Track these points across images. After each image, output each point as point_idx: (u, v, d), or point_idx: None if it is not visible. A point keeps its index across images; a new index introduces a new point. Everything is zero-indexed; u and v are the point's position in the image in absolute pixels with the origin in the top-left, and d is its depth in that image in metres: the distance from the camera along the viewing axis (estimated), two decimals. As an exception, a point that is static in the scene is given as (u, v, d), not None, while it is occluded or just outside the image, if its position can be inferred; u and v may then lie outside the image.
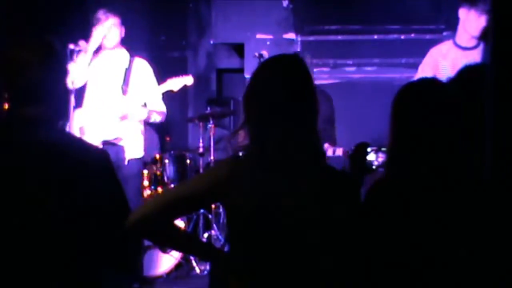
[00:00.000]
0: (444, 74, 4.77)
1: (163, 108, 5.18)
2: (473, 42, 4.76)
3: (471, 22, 4.64)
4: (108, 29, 4.96)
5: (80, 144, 2.26)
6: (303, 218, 2.10)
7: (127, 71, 5.09)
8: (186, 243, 2.30)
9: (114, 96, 5.04)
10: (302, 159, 2.13)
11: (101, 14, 4.97)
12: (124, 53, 5.18)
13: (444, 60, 4.87)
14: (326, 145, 4.81)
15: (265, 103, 2.14)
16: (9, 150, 2.12)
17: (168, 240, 2.24)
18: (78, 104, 4.99)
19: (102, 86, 5.10)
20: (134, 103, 5.00)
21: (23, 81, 2.14)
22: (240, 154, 2.20)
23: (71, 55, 4.76)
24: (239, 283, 2.16)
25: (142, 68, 5.17)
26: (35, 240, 2.08)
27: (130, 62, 5.13)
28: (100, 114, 4.99)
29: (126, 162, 5.03)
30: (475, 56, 4.71)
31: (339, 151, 4.87)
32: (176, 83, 5.17)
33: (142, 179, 5.56)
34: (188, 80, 5.22)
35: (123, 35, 5.11)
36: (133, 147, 5.05)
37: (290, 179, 2.11)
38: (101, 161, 2.19)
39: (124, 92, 5.03)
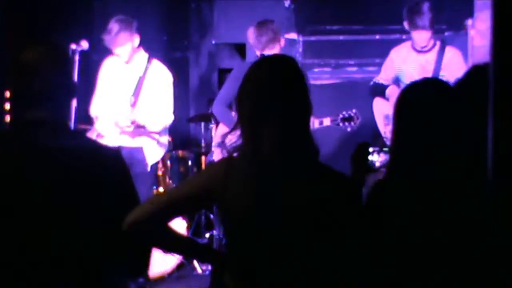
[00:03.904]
0: (403, 77, 4.95)
1: (165, 121, 5.00)
2: (427, 46, 4.92)
3: (413, 36, 4.91)
4: (120, 44, 4.82)
5: (93, 145, 2.27)
6: (299, 218, 2.10)
7: (140, 80, 4.93)
8: (182, 245, 2.30)
9: (121, 106, 4.91)
10: (295, 159, 2.13)
11: (112, 25, 4.82)
12: (141, 57, 5.01)
13: (403, 63, 5.02)
14: (311, 118, 4.72)
15: (257, 103, 2.14)
16: (23, 152, 2.13)
17: (164, 242, 2.24)
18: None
19: (111, 91, 4.98)
20: (141, 117, 4.86)
21: (37, 84, 2.14)
22: (235, 154, 2.20)
23: (73, 55, 4.75)
24: (235, 284, 2.16)
25: (157, 76, 4.98)
26: (46, 240, 2.08)
27: (146, 68, 4.97)
28: (103, 121, 4.94)
29: (148, 168, 4.99)
30: (430, 58, 4.93)
31: (327, 121, 4.83)
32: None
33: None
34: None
35: (137, 44, 4.95)
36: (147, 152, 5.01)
37: (285, 178, 2.11)
38: (114, 161, 2.21)
39: (133, 104, 4.91)
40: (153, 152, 5.03)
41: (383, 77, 5.16)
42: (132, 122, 4.84)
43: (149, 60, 5.01)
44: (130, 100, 4.91)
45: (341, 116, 4.81)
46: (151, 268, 5.32)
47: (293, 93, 2.15)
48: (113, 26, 4.81)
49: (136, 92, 4.92)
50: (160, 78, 5.01)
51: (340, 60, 6.48)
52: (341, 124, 4.80)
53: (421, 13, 4.75)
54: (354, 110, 4.81)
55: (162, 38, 7.10)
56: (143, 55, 5.03)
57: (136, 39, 4.94)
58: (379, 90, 5.14)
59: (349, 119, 4.81)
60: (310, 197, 2.10)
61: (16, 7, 5.22)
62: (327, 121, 4.81)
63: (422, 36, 4.85)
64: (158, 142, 5.05)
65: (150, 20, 6.92)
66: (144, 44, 6.44)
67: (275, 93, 2.13)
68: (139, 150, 4.93)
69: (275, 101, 2.12)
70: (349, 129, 4.82)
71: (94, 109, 5.07)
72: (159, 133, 5.04)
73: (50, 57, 2.18)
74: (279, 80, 2.15)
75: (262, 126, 2.12)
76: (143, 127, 4.90)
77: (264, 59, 2.32)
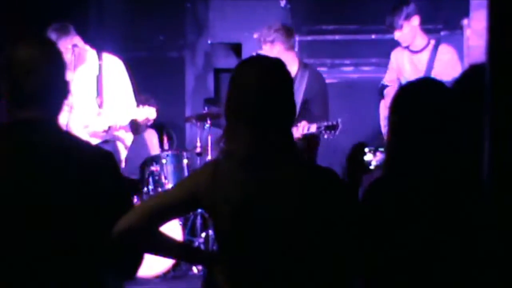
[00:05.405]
0: (402, 78, 4.99)
1: (132, 110, 4.83)
2: (419, 46, 4.97)
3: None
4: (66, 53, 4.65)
5: (85, 145, 2.26)
6: (291, 218, 2.09)
7: (98, 80, 4.84)
8: (173, 249, 2.29)
9: (90, 110, 4.83)
10: (277, 159, 2.13)
11: (50, 34, 4.62)
12: (91, 57, 4.87)
13: (401, 65, 5.10)
14: (303, 122, 4.77)
15: (239, 104, 2.14)
16: (15, 152, 2.12)
17: (155, 247, 2.23)
18: None
19: (75, 97, 4.80)
20: (113, 115, 4.77)
21: (30, 82, 2.13)
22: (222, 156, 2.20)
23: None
24: (228, 284, 2.16)
25: (112, 69, 4.88)
26: (39, 240, 2.07)
27: (100, 66, 4.86)
28: (73, 126, 4.85)
29: (123, 164, 4.93)
30: (423, 57, 4.99)
31: (313, 127, 4.79)
32: (140, 113, 4.93)
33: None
34: (152, 113, 4.94)
35: (79, 44, 4.76)
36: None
37: (268, 179, 2.11)
38: (106, 161, 2.20)
39: (100, 104, 4.82)
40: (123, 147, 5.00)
41: (387, 79, 5.22)
42: (109, 127, 4.78)
43: (99, 57, 4.89)
44: (97, 102, 4.84)
45: (325, 124, 4.80)
46: (149, 268, 5.30)
47: (275, 95, 2.15)
48: (51, 35, 4.63)
49: (99, 93, 4.85)
50: (115, 71, 4.91)
51: (336, 60, 6.48)
52: (323, 132, 4.79)
53: (389, 15, 4.93)
54: (339, 120, 4.81)
55: (157, 38, 7.09)
56: (91, 53, 4.90)
57: (79, 42, 4.79)
58: (382, 92, 5.21)
59: (331, 127, 4.80)
60: (302, 196, 2.10)
61: (11, 5, 5.21)
62: (313, 128, 4.82)
63: (396, 37, 4.97)
64: (123, 135, 5.00)
65: (146, 20, 6.91)
66: (140, 43, 6.44)
67: (257, 94, 2.13)
68: (112, 144, 4.86)
69: (256, 102, 2.12)
70: (326, 136, 4.83)
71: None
72: (125, 128, 4.97)
73: (43, 56, 2.16)
74: (261, 81, 2.14)
75: (241, 127, 2.12)
76: (114, 128, 4.84)
77: (247, 59, 2.32)
